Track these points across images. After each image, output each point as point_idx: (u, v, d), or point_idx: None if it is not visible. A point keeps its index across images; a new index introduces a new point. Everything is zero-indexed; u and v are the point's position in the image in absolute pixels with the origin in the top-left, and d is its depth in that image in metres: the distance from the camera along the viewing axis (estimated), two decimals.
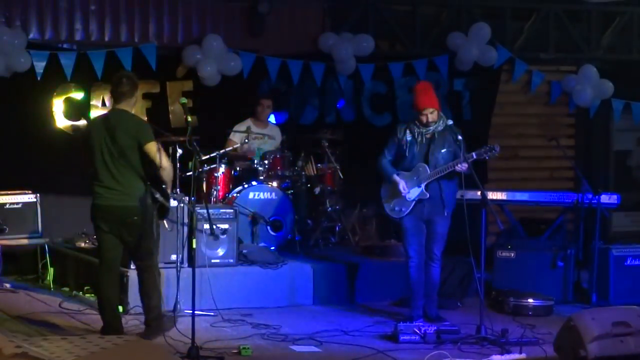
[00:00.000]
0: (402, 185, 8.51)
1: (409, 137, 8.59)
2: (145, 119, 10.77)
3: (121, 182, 7.60)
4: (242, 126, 10.63)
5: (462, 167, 8.33)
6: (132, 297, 8.57)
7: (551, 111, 12.54)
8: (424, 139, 8.56)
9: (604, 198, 10.16)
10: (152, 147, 7.58)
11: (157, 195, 7.67)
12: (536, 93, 12.18)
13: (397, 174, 8.58)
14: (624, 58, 12.40)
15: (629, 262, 9.84)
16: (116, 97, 7.77)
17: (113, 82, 7.82)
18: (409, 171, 8.57)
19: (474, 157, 8.37)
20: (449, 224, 8.62)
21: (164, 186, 7.72)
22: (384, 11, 11.52)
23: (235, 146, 10.49)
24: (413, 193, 8.53)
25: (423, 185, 8.49)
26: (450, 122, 8.53)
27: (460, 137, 8.43)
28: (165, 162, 7.64)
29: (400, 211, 8.61)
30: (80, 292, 9.30)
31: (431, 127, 8.51)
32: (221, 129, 10.71)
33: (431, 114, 8.49)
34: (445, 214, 8.55)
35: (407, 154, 8.58)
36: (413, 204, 8.55)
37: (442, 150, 8.50)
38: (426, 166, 8.50)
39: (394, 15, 11.60)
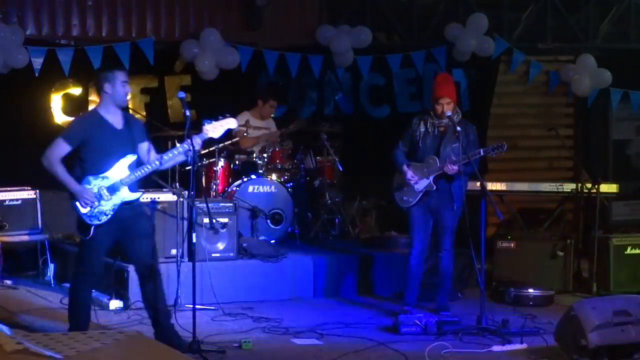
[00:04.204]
0: (409, 174, 8.52)
1: (422, 129, 8.60)
2: (144, 113, 10.81)
3: None
4: (241, 119, 10.64)
5: (452, 169, 8.33)
6: (133, 292, 8.59)
7: (550, 101, 12.52)
8: (437, 132, 8.57)
9: (604, 187, 10.16)
10: None
11: None
12: (534, 83, 12.15)
13: (408, 165, 8.58)
14: (622, 47, 12.36)
15: (629, 251, 9.85)
16: None
17: None
18: (421, 163, 8.58)
19: (482, 153, 8.38)
20: (457, 218, 8.59)
21: None
22: (381, 3, 11.50)
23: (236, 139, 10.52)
24: (421, 184, 8.55)
25: (432, 178, 8.49)
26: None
27: (472, 136, 8.46)
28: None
29: (407, 201, 8.63)
30: None
31: (444, 120, 8.49)
32: None
33: (447, 105, 8.46)
34: (455, 207, 8.52)
35: (420, 145, 8.60)
36: (420, 195, 8.56)
37: (454, 145, 8.45)
38: (437, 159, 8.48)
39: (391, 7, 11.58)
